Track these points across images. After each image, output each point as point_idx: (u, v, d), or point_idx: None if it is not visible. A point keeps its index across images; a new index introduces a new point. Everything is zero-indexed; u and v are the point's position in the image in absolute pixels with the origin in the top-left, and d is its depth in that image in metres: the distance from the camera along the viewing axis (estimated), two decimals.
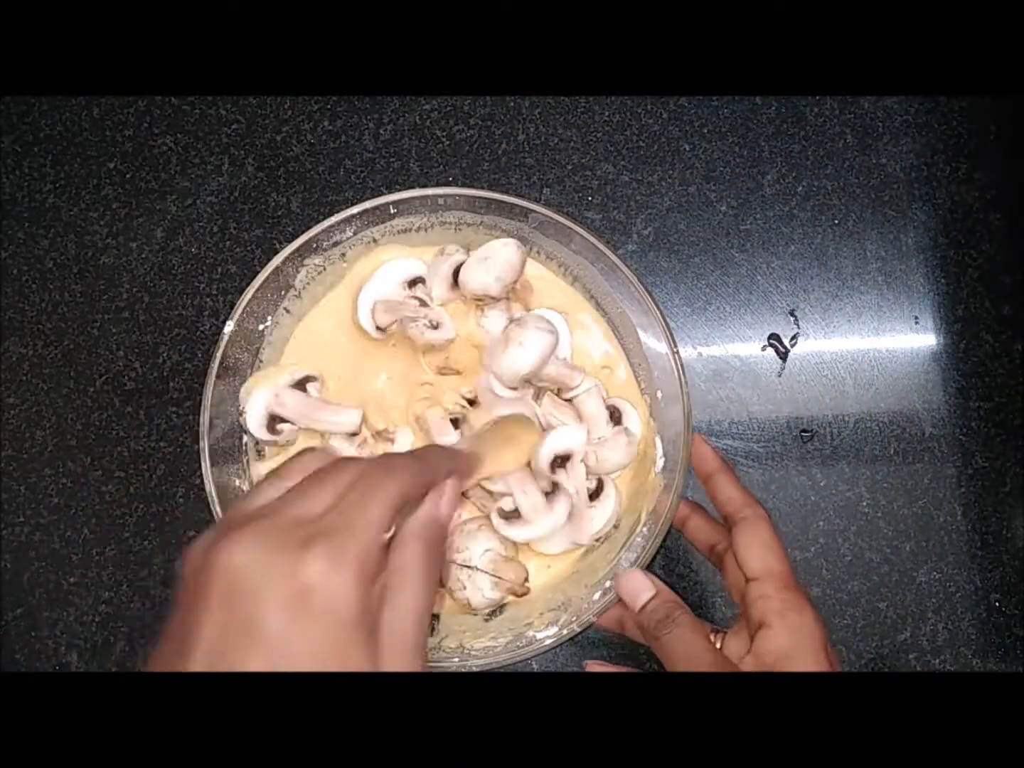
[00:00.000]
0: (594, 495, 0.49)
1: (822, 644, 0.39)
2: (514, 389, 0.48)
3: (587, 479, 0.48)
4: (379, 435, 0.50)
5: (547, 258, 0.52)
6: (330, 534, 0.28)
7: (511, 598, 0.48)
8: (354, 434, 0.49)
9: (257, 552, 0.28)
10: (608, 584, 0.46)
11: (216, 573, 0.28)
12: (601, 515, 0.48)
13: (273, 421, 0.48)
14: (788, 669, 0.38)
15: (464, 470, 0.40)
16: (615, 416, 0.50)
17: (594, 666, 0.45)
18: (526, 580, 0.48)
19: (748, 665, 0.39)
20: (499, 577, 0.46)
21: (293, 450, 0.49)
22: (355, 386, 0.51)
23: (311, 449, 0.35)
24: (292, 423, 0.48)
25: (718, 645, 0.41)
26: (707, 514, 0.47)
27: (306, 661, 0.27)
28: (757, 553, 0.41)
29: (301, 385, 0.49)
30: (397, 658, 0.29)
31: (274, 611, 0.27)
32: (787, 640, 0.38)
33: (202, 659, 0.27)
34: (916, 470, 0.56)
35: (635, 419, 0.50)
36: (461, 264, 0.50)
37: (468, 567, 0.46)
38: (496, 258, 0.49)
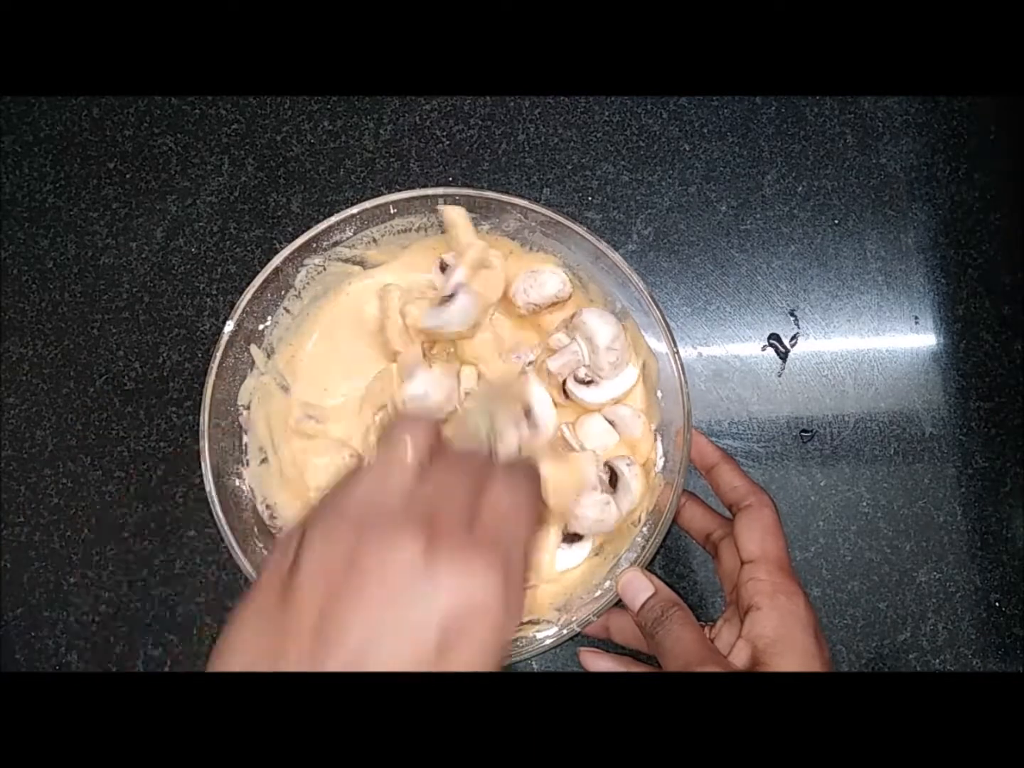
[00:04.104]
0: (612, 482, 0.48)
1: (812, 628, 0.39)
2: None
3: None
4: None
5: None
6: (491, 546, 0.27)
7: None
8: None
9: (431, 559, 0.26)
10: (608, 584, 0.46)
11: (389, 570, 0.26)
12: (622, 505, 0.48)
13: None
14: (778, 652, 0.38)
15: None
16: (612, 479, 0.48)
17: (587, 654, 0.45)
18: None
19: (740, 649, 0.39)
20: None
21: None
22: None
23: (410, 419, 0.31)
24: None
25: (712, 634, 0.41)
26: (703, 502, 0.47)
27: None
28: (757, 537, 0.41)
29: None
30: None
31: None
32: (777, 622, 0.38)
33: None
34: (916, 470, 0.56)
35: (633, 485, 0.48)
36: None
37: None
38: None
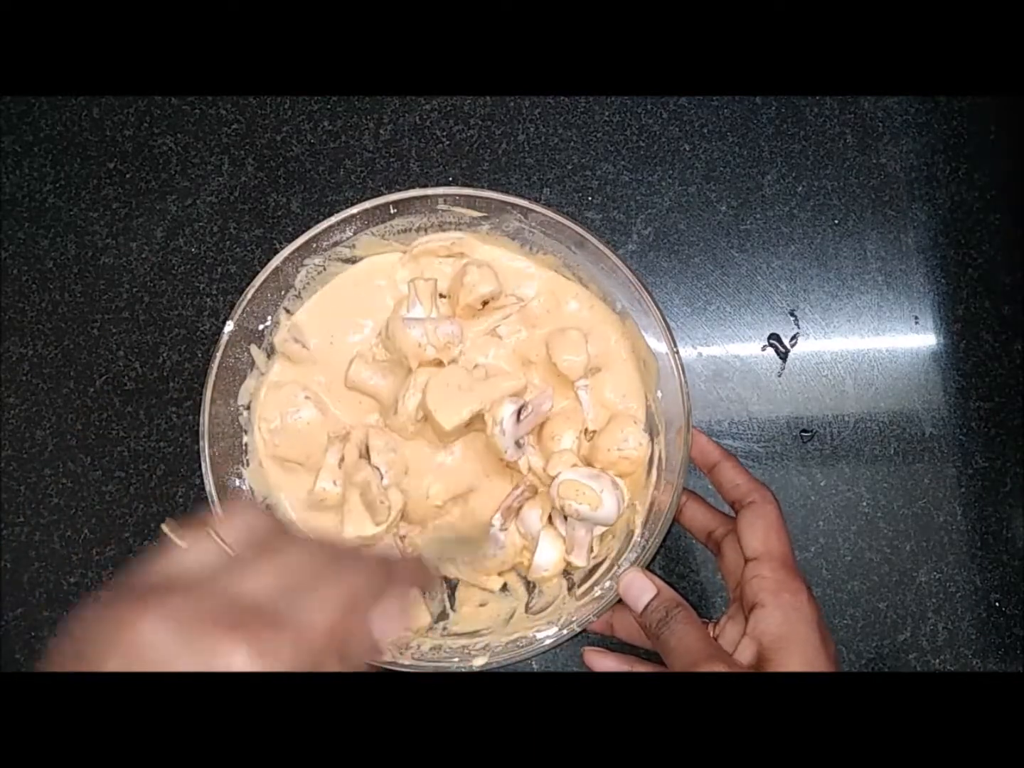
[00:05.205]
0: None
1: (816, 624, 0.38)
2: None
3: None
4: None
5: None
6: (267, 624, 0.26)
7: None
8: None
9: (171, 633, 0.25)
10: (608, 584, 0.46)
11: (121, 645, 0.25)
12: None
13: None
14: (783, 648, 0.38)
15: (419, 579, 0.39)
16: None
17: (591, 653, 0.45)
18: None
19: (744, 647, 0.39)
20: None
21: None
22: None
23: (250, 506, 0.31)
24: None
25: (716, 631, 0.41)
26: (704, 501, 0.47)
27: None
28: (760, 534, 0.41)
29: None
30: None
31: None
32: (781, 619, 0.38)
33: None
34: (916, 470, 0.56)
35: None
36: None
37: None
38: None
